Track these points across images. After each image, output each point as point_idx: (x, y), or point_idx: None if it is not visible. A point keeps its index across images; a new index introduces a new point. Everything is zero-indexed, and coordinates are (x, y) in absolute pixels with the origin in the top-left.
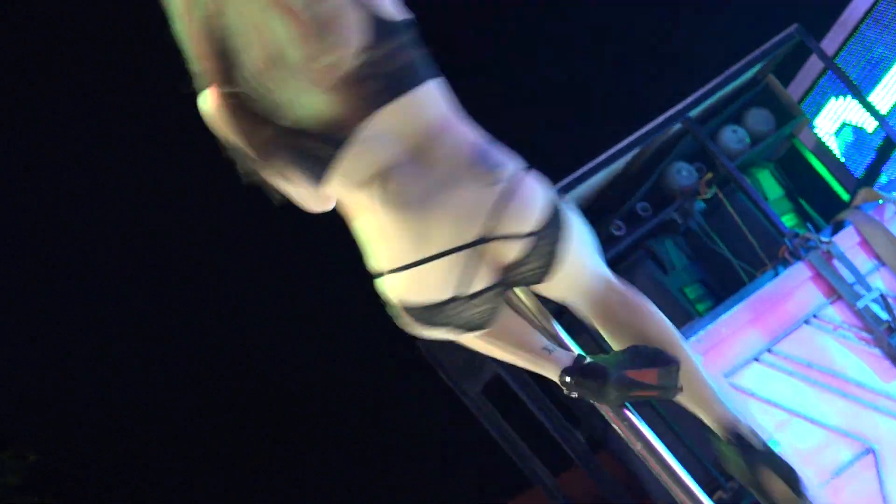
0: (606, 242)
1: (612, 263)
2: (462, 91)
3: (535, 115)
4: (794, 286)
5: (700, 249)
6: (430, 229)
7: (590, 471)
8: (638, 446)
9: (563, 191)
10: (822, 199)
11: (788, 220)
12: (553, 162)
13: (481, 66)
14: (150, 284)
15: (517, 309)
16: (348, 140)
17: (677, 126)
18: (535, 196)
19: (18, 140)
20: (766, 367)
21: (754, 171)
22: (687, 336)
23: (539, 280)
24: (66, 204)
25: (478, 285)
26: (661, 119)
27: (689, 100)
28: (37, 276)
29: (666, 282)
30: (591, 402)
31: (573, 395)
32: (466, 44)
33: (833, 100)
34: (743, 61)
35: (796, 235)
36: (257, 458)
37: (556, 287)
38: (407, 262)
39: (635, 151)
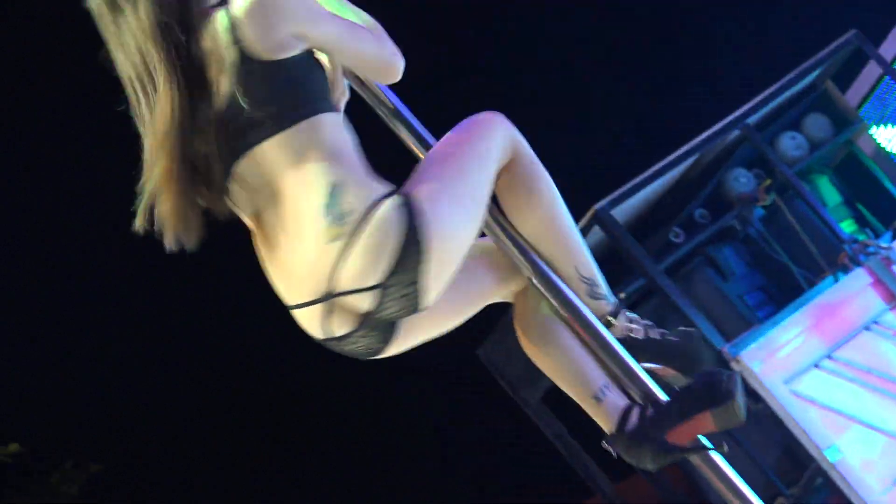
0: (665, 249)
1: (671, 270)
2: (464, 91)
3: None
4: (854, 292)
5: (759, 256)
6: (290, 280)
7: (650, 478)
8: (695, 457)
9: (622, 198)
10: (881, 205)
11: (847, 227)
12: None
13: (481, 66)
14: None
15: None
16: (228, 182)
17: (735, 133)
18: (379, 244)
19: (18, 140)
20: (826, 373)
21: (813, 177)
22: (747, 343)
23: (413, 312)
24: (66, 204)
25: (341, 330)
26: (719, 126)
27: (748, 106)
28: (100, 289)
29: (725, 288)
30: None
31: None
32: (466, 43)
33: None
34: (800, 68)
35: (855, 241)
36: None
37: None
38: (288, 303)
39: (694, 158)
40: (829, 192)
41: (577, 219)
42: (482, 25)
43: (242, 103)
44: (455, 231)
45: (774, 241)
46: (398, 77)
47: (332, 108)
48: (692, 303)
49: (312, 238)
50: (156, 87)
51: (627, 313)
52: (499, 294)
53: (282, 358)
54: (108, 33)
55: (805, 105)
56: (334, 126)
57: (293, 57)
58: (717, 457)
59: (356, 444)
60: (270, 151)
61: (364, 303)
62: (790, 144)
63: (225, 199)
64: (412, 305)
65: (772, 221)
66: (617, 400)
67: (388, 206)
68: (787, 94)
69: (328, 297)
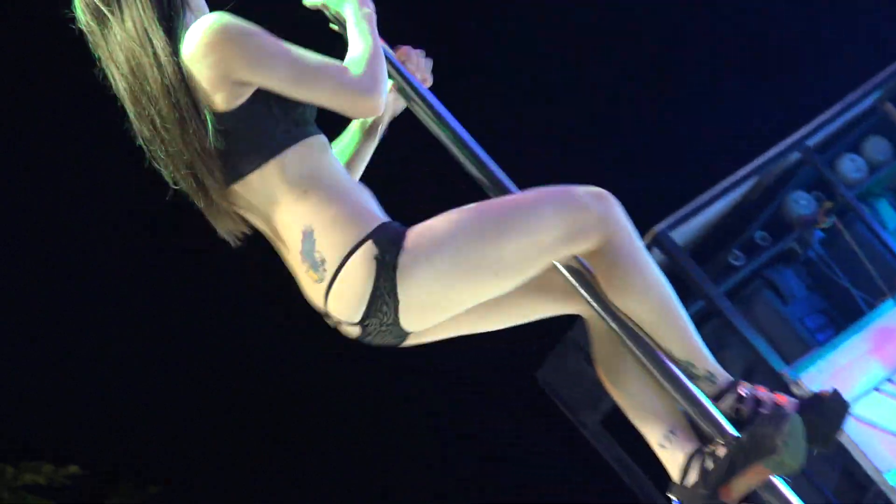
0: (725, 272)
1: (731, 293)
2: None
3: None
4: None
5: (819, 279)
6: (302, 289)
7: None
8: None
9: (682, 221)
10: None
11: None
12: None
13: (484, 66)
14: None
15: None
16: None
17: (795, 155)
18: (353, 293)
19: (18, 140)
20: (886, 396)
21: (873, 199)
22: (807, 366)
23: (400, 340)
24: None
25: (352, 335)
26: (779, 148)
27: (807, 129)
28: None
29: (785, 311)
30: None
31: None
32: (468, 42)
33: None
34: (860, 90)
35: None
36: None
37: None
38: None
39: (754, 180)
40: (888, 215)
41: None
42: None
43: (215, 143)
44: (441, 288)
45: (834, 264)
46: (371, 113)
47: (300, 136)
48: (752, 326)
49: (304, 274)
50: (150, 98)
51: (741, 390)
52: (557, 309)
53: (327, 372)
54: (100, 50)
55: (865, 127)
56: (304, 157)
57: (243, 104)
58: (777, 480)
59: (419, 465)
60: (247, 188)
61: (354, 332)
62: (850, 167)
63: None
64: (398, 338)
65: (832, 244)
66: (679, 448)
67: (360, 259)
68: (847, 116)
69: (328, 317)
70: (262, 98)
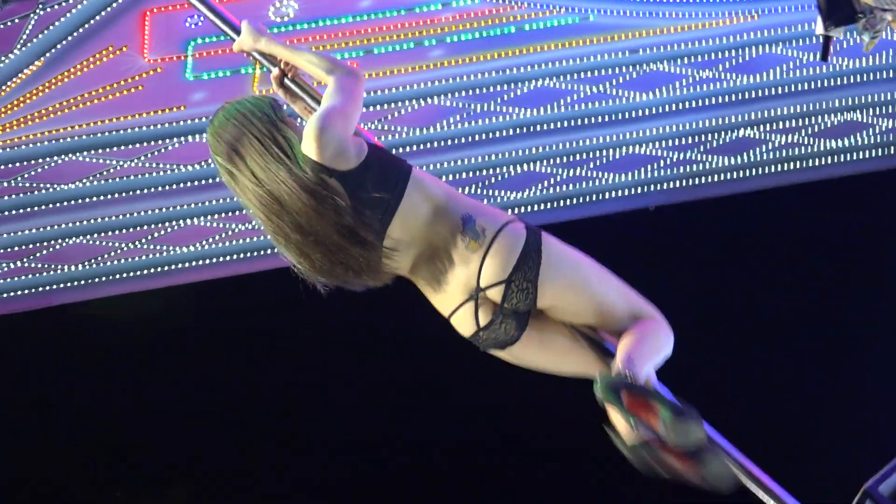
0: None
1: None
2: None
3: None
4: None
5: None
6: (447, 294)
7: None
8: None
9: (886, 476)
10: None
11: None
12: None
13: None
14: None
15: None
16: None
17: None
18: (508, 249)
19: None
20: None
21: None
22: None
23: (531, 305)
24: None
25: (485, 320)
26: None
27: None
28: None
29: None
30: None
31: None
32: None
33: None
34: None
35: None
36: None
37: (560, 307)
38: (446, 314)
39: None
40: None
41: (847, 500)
42: None
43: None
44: (567, 256)
45: None
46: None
47: (410, 165)
48: None
49: (461, 251)
50: (282, 205)
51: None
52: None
53: None
54: (237, 192)
55: None
56: (426, 177)
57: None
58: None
59: None
60: (402, 220)
61: (497, 294)
62: None
63: (383, 268)
64: (531, 299)
65: None
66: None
67: (513, 227)
68: None
69: (477, 294)
70: (371, 149)
